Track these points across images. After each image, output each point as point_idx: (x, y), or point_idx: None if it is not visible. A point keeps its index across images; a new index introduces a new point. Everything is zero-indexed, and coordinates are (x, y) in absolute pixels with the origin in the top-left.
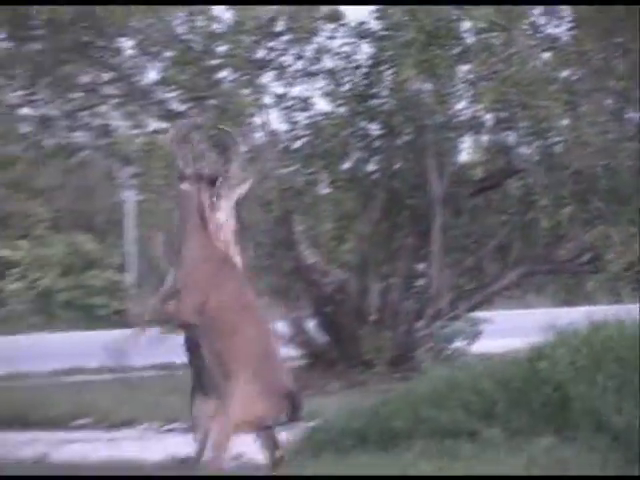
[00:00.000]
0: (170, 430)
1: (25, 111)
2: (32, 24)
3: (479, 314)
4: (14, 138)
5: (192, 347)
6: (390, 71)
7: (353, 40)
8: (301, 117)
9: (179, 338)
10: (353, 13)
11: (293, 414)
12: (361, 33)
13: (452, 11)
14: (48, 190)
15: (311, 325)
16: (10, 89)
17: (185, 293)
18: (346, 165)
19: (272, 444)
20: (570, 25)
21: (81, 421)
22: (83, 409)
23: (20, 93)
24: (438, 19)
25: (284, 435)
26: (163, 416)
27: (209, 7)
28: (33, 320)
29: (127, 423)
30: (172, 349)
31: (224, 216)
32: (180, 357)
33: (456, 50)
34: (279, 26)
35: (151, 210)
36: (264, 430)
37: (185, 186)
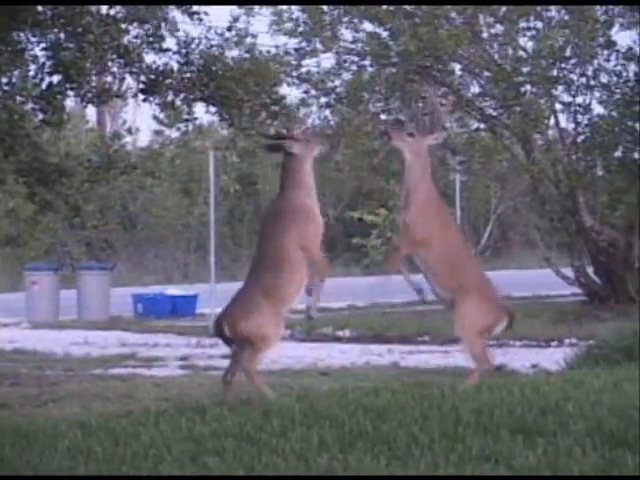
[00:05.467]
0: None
1: (383, 117)
2: (389, 54)
3: None
4: (375, 136)
5: None
6: None
7: (622, 62)
8: (583, 119)
9: None
10: (621, 39)
11: (509, 324)
12: (629, 56)
13: None
14: (398, 172)
15: (590, 270)
16: (373, 100)
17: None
18: (617, 154)
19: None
20: None
21: (423, 338)
22: (424, 329)
23: (379, 104)
24: None
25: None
26: None
27: (517, 36)
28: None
29: (456, 340)
30: None
31: None
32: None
33: None
34: (567, 52)
35: (473, 187)
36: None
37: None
